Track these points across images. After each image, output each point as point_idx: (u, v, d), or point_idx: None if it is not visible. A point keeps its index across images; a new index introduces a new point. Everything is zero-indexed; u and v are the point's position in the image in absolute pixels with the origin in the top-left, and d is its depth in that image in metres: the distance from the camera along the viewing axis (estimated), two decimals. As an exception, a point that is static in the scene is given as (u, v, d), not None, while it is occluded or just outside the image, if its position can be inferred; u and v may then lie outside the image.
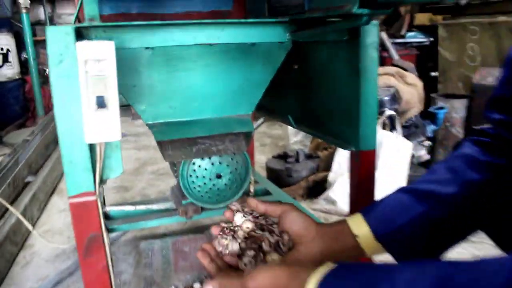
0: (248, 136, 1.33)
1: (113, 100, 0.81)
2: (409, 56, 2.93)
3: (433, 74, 2.93)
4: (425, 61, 2.95)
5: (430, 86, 2.62)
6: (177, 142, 1.26)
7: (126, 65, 1.04)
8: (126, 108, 5.21)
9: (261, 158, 2.74)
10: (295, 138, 2.73)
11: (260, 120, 4.08)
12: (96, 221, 0.88)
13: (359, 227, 0.71)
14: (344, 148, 1.13)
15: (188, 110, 1.27)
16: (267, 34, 1.16)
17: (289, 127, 2.78)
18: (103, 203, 1.79)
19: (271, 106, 1.56)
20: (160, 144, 1.24)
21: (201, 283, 1.23)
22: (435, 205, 0.70)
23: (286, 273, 0.59)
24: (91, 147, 0.87)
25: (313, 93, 1.27)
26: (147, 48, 1.07)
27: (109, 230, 1.48)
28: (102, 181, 0.91)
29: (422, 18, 3.62)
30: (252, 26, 1.14)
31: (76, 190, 0.86)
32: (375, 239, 0.70)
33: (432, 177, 0.74)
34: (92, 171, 0.87)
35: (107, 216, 1.58)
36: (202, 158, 1.36)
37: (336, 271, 0.56)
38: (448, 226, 0.70)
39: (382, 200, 0.75)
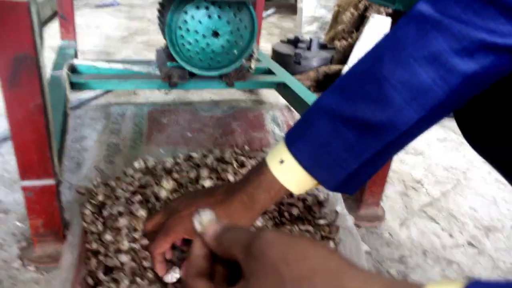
0: (260, -18, 1.02)
1: None
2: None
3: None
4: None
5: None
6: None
7: None
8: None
9: (267, 46, 2.43)
10: (309, 28, 2.40)
11: (271, 10, 3.69)
12: (27, 36, 0.60)
13: (291, 178, 0.56)
14: (392, 6, 0.83)
15: None
16: None
17: (304, 15, 2.44)
18: (75, 55, 1.51)
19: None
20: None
21: (175, 158, 0.99)
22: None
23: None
24: None
25: None
26: None
27: (73, 85, 1.22)
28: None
29: None
30: None
31: (-2, -19, 0.57)
32: (311, 182, 0.56)
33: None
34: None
35: (73, 69, 1.31)
36: (197, 7, 1.06)
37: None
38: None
39: (311, 130, 0.55)
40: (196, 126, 1.19)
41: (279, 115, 1.30)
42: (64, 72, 1.19)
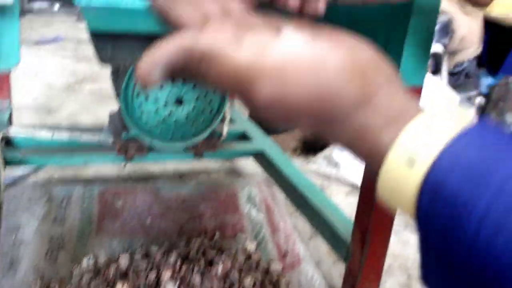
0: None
1: None
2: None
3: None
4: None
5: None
6: (123, 38, 1.05)
7: None
8: (70, 6, 4.89)
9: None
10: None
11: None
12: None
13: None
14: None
15: (143, -7, 1.06)
16: None
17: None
18: (9, 121, 1.59)
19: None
20: (96, 38, 1.03)
21: (132, 254, 1.06)
22: None
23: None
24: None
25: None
26: None
27: (8, 162, 1.29)
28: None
29: None
30: None
31: None
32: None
33: None
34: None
35: (8, 142, 1.38)
36: (158, 72, 1.16)
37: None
38: None
39: None
40: (157, 210, 1.27)
41: (256, 193, 1.39)
42: (-4, 147, 1.27)
